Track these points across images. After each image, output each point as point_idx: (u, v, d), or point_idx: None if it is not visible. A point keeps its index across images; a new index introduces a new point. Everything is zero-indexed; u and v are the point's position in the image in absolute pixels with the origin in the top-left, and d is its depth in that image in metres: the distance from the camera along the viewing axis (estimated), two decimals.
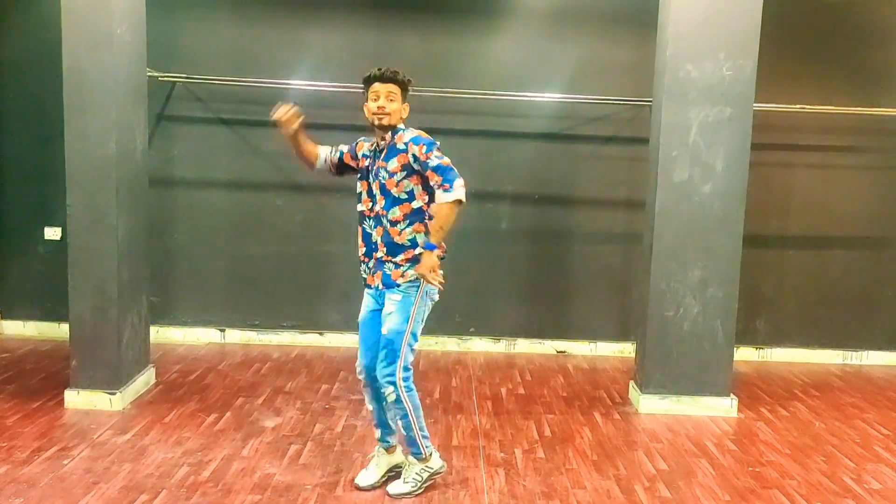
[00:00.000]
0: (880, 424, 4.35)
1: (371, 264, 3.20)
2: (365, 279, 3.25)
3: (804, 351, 5.67)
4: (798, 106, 5.27)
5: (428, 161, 3.02)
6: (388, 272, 3.14)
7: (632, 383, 4.66)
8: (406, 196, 3.10)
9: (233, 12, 5.41)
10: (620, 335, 5.64)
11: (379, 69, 3.10)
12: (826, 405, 4.67)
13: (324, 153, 3.36)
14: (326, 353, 5.42)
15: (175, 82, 5.35)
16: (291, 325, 5.66)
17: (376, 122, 3.08)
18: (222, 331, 5.63)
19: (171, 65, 5.28)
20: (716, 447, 3.92)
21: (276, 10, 5.41)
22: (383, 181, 3.10)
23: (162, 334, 5.52)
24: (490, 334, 5.64)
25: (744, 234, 4.36)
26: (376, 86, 3.08)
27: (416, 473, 3.25)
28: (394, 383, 3.11)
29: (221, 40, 5.43)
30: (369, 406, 3.34)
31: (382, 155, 3.13)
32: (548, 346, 5.68)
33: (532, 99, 5.44)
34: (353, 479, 3.35)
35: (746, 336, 5.54)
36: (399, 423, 3.20)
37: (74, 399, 4.15)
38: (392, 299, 3.14)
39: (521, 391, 4.74)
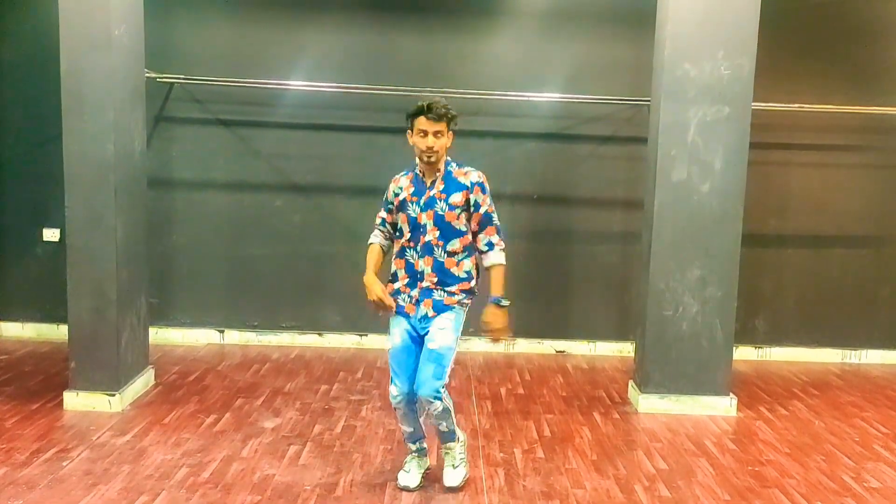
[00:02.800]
0: (879, 423, 4.35)
1: (414, 293, 3.19)
2: (402, 307, 3.22)
3: (803, 350, 5.67)
4: (796, 105, 5.28)
5: (492, 216, 3.20)
6: (440, 299, 3.17)
7: (631, 383, 4.66)
8: (464, 228, 3.18)
9: (231, 13, 5.41)
10: (619, 335, 5.64)
11: (427, 105, 3.07)
12: (825, 404, 4.67)
13: (384, 242, 3.34)
14: (325, 354, 5.42)
15: (173, 83, 5.35)
16: (290, 325, 5.65)
17: (425, 160, 3.12)
18: (221, 332, 5.63)
19: (169, 66, 5.27)
20: (715, 446, 3.92)
21: (273, 11, 5.40)
22: (441, 213, 3.14)
23: (161, 335, 5.52)
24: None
25: (742, 233, 4.36)
26: (422, 122, 3.07)
27: (459, 454, 3.33)
28: (440, 397, 3.12)
29: (219, 41, 5.42)
30: (408, 428, 3.29)
31: (438, 186, 3.17)
32: (547, 346, 5.68)
33: (530, 99, 5.43)
34: (353, 480, 3.36)
35: (745, 335, 5.54)
36: (441, 425, 3.22)
37: (73, 400, 4.14)
38: (445, 317, 3.17)
39: (521, 391, 4.74)
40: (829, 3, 5.40)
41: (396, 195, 3.23)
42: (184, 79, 5.30)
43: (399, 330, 3.22)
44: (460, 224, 3.17)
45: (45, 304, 5.53)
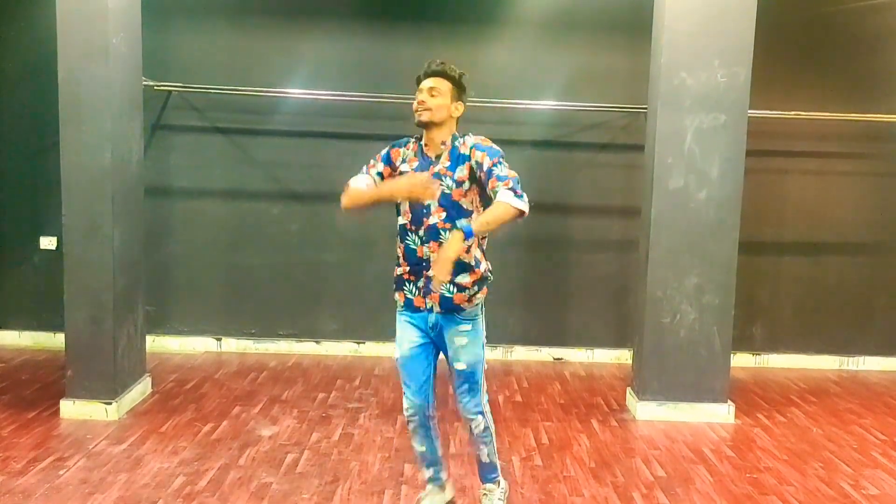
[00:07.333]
0: (877, 430, 4.35)
1: (421, 283, 2.84)
2: (411, 300, 2.89)
3: (801, 357, 5.67)
4: (793, 112, 5.29)
5: (493, 169, 2.74)
6: (449, 294, 2.82)
7: (629, 390, 4.66)
8: (471, 208, 2.82)
9: (228, 22, 5.42)
10: (617, 342, 5.64)
11: (428, 63, 2.86)
12: (823, 411, 4.67)
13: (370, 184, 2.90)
14: (323, 362, 5.41)
15: (171, 92, 5.36)
16: (288, 333, 5.65)
17: (416, 119, 2.82)
18: (218, 340, 5.62)
19: (167, 74, 5.28)
20: (713, 454, 3.92)
21: (271, 19, 5.42)
22: (447, 191, 2.77)
23: (158, 343, 5.50)
24: (487, 341, 5.61)
25: (739, 241, 4.37)
26: (420, 83, 2.85)
27: (499, 499, 3.11)
28: (482, 412, 2.96)
29: (217, 49, 5.43)
30: (421, 447, 3.04)
31: (443, 162, 2.83)
32: (545, 354, 5.68)
33: (528, 106, 5.44)
34: (350, 488, 3.35)
35: (743, 342, 5.54)
36: (483, 450, 3.03)
37: (70, 409, 4.13)
38: (462, 331, 2.88)
39: (519, 398, 4.74)
40: (824, 13, 5.43)
41: (403, 161, 2.89)
42: (181, 87, 5.30)
43: (405, 336, 2.93)
44: (468, 203, 2.80)
45: (41, 312, 5.52)
